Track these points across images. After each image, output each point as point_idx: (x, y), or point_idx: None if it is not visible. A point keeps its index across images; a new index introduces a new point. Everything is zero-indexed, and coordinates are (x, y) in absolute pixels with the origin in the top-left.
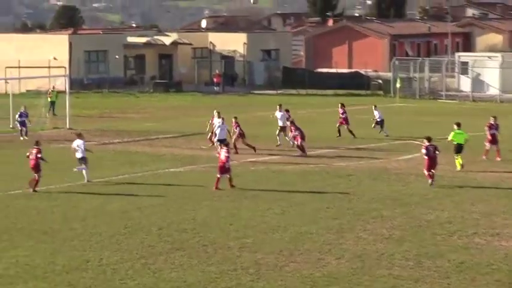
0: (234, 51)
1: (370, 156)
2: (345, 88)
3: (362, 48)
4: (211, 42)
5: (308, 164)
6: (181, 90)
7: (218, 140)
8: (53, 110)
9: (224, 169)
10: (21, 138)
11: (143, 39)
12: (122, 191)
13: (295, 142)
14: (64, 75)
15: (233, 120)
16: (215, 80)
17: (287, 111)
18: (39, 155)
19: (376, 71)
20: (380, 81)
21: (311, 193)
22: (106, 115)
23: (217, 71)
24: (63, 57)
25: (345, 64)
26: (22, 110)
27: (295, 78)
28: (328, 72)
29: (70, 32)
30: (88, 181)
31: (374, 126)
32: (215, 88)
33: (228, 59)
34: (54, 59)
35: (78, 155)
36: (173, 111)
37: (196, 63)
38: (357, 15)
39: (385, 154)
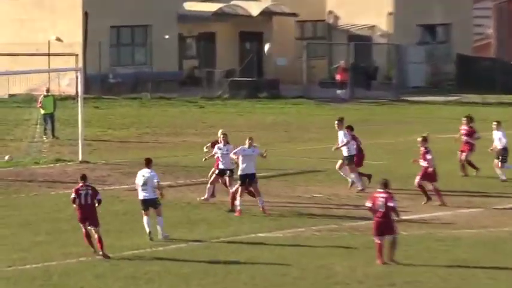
0: (372, 27)
1: None
2: None
3: None
4: (331, 12)
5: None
6: (278, 95)
7: (220, 172)
8: (52, 130)
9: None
10: None
11: (212, 7)
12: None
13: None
14: (75, 69)
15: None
16: (338, 77)
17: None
18: (98, 197)
19: None
20: None
21: None
22: (149, 138)
23: (341, 63)
24: (73, 38)
25: None
26: None
27: (478, 75)
28: None
29: None
30: (165, 236)
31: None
32: (338, 92)
33: (360, 42)
34: (58, 40)
35: (143, 194)
36: (266, 132)
37: (305, 49)
38: None
39: None
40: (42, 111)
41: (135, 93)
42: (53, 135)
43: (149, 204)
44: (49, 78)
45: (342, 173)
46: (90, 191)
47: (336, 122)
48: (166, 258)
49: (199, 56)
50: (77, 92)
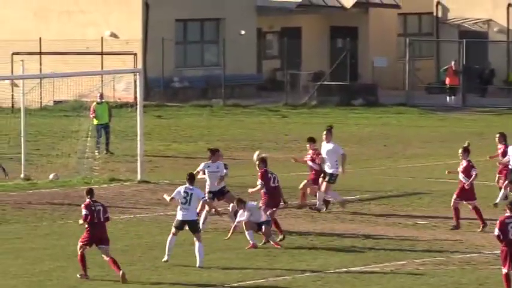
0: (488, 22)
1: None
2: None
3: None
4: (439, 3)
5: None
6: (376, 102)
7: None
8: (106, 143)
9: None
10: None
11: None
12: None
13: None
14: (133, 71)
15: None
16: (447, 81)
17: None
18: (108, 215)
19: None
20: None
21: None
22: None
23: (451, 64)
24: (131, 34)
25: None
26: None
27: None
28: None
29: None
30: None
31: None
32: (448, 99)
33: (474, 39)
34: (112, 36)
35: (182, 214)
36: (361, 146)
37: (408, 47)
38: None
39: None
40: (95, 122)
41: (204, 100)
42: (107, 150)
43: (189, 225)
44: (102, 81)
45: (328, 196)
46: (101, 207)
47: (325, 132)
48: None
49: (282, 55)
50: (135, 98)
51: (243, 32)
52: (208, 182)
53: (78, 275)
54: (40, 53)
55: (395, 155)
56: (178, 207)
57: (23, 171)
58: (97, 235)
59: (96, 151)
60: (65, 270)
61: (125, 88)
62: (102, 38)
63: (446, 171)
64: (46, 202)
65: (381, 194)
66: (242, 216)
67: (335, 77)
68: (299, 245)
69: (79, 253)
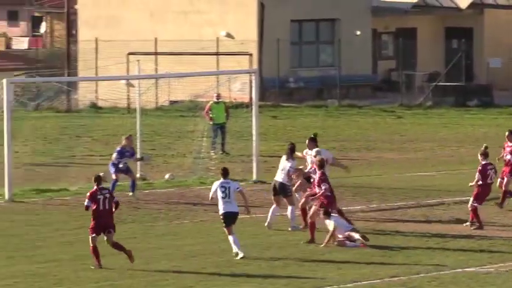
0: None
1: None
2: None
3: None
4: None
5: None
6: (491, 103)
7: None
8: (222, 144)
9: None
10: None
11: None
12: None
13: None
14: (248, 71)
15: None
16: None
17: None
18: (116, 200)
19: None
20: None
21: None
22: (335, 153)
23: None
24: (246, 34)
25: None
26: (124, 143)
27: None
28: None
29: None
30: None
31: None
32: None
33: None
34: (228, 36)
35: (223, 207)
36: (476, 148)
37: None
38: None
39: None
40: (210, 122)
41: (319, 101)
42: (223, 150)
43: (235, 218)
44: (217, 82)
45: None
46: (107, 195)
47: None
48: None
49: (397, 56)
50: (250, 98)
51: (358, 33)
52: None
53: (91, 266)
54: (156, 53)
55: None
56: (221, 202)
57: (139, 172)
58: (103, 223)
59: (212, 151)
60: (181, 270)
61: (240, 88)
62: (217, 38)
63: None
64: (162, 202)
65: (496, 194)
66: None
67: (450, 77)
68: (414, 246)
69: (91, 245)
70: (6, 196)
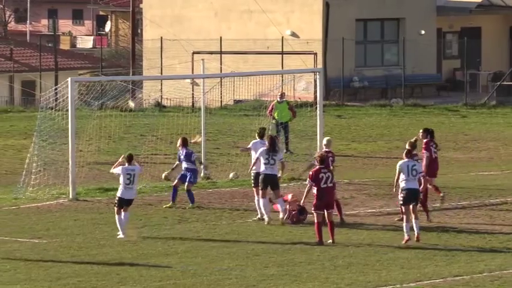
0: None
1: None
2: None
3: None
4: None
5: None
6: None
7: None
8: (286, 142)
9: None
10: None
11: None
12: None
13: None
14: (313, 71)
15: None
16: None
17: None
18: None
19: None
20: None
21: None
22: (400, 153)
23: None
24: (311, 33)
25: None
26: (179, 145)
27: None
28: None
29: None
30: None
31: None
32: None
33: None
34: (293, 36)
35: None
36: None
37: None
38: None
39: None
40: (273, 120)
41: (384, 100)
42: (287, 149)
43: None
44: (282, 81)
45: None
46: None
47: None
48: None
49: (462, 55)
50: (315, 98)
51: (423, 32)
52: None
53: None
54: (220, 52)
55: None
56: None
57: (202, 171)
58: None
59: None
60: (244, 269)
61: (305, 88)
62: (282, 37)
63: None
64: (225, 201)
65: None
66: None
67: None
68: (477, 245)
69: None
70: (71, 195)
